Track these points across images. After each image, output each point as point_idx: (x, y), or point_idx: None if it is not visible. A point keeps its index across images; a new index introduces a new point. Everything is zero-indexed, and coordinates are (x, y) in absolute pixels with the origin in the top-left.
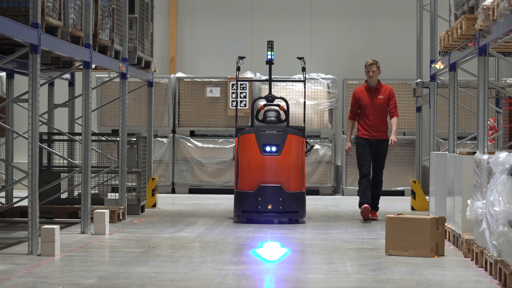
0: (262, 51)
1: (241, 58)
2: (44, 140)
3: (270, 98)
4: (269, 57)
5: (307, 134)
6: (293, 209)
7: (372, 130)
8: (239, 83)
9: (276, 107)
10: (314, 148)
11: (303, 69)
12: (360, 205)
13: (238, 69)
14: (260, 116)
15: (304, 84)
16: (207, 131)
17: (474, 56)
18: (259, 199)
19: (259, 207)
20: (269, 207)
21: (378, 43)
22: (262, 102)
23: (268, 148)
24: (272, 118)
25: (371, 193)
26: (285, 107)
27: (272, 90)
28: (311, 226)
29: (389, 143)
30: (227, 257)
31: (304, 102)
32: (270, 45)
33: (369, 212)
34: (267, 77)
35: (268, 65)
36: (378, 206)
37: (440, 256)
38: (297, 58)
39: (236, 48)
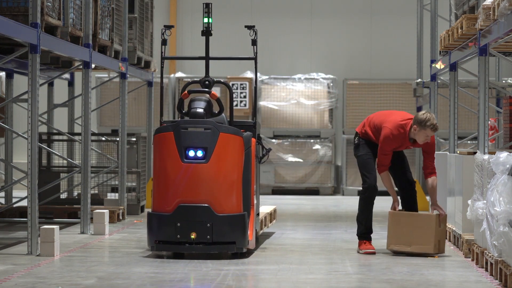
0: (262, 51)
1: (168, 27)
2: (44, 140)
3: (207, 83)
4: (206, 25)
5: (307, 134)
6: (227, 238)
7: None
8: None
9: (206, 95)
10: (314, 148)
11: (254, 42)
12: (362, 236)
13: (164, 42)
14: (185, 108)
15: (255, 61)
16: None
17: (475, 56)
18: (178, 224)
19: (179, 236)
20: (193, 237)
21: (378, 43)
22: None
23: (191, 153)
24: (199, 110)
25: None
26: (218, 95)
27: (272, 90)
28: (311, 227)
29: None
30: (227, 257)
31: (255, 87)
32: (207, 9)
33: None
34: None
35: (205, 37)
36: None
37: (441, 253)
38: (245, 26)
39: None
